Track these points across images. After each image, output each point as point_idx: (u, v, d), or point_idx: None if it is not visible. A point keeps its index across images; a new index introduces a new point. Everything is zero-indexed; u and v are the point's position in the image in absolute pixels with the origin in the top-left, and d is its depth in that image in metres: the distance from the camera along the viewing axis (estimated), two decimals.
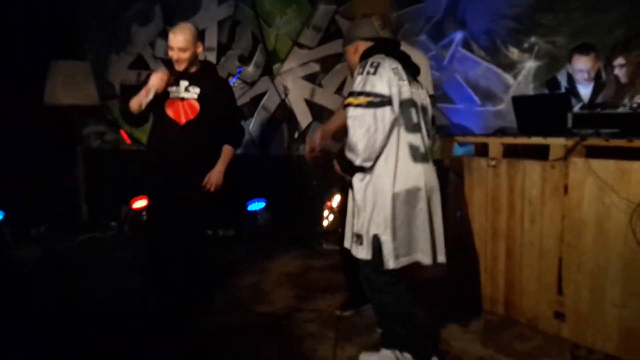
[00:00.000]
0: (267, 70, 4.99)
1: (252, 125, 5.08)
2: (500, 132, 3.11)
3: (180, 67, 2.84)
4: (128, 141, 5.30)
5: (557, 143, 2.64)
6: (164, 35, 5.37)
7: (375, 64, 2.12)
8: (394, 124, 2.11)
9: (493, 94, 4.09)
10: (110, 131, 5.57)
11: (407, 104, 2.15)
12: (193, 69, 2.90)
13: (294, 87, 4.86)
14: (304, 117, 4.90)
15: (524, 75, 3.92)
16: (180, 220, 2.92)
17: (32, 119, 4.62)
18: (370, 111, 2.06)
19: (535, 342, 2.65)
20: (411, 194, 2.14)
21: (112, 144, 5.56)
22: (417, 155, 2.15)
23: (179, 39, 2.78)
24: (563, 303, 2.66)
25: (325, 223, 4.45)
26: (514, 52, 3.95)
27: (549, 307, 2.72)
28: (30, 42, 4.78)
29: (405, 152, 2.13)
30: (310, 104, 4.86)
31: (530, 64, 3.89)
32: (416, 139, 2.17)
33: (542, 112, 2.85)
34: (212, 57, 5.05)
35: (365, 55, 2.24)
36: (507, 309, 2.93)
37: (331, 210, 4.42)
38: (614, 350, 2.46)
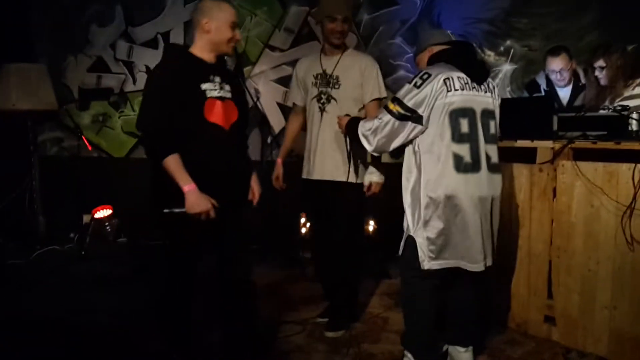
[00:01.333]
0: (237, 73, 4.82)
1: None
2: None
3: (231, 51, 2.28)
4: (89, 147, 5.01)
5: (544, 146, 2.63)
6: (126, 37, 5.13)
7: (425, 77, 2.13)
8: (415, 138, 2.19)
9: None
10: (69, 137, 5.25)
11: (457, 114, 2.14)
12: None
13: (265, 91, 4.72)
14: (276, 121, 4.76)
15: (500, 79, 3.95)
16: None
17: None
18: (397, 122, 2.18)
19: (526, 347, 2.64)
20: (452, 202, 2.16)
21: (71, 150, 5.24)
22: (460, 165, 2.15)
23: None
24: (553, 307, 2.66)
25: (303, 230, 4.32)
26: (490, 55, 3.97)
27: (539, 312, 2.71)
28: None
29: (449, 162, 2.15)
30: (283, 107, 4.73)
31: (506, 67, 3.92)
32: (462, 149, 2.16)
33: (526, 115, 2.83)
34: None
35: (431, 61, 2.25)
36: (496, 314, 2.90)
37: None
38: (605, 352, 2.47)
